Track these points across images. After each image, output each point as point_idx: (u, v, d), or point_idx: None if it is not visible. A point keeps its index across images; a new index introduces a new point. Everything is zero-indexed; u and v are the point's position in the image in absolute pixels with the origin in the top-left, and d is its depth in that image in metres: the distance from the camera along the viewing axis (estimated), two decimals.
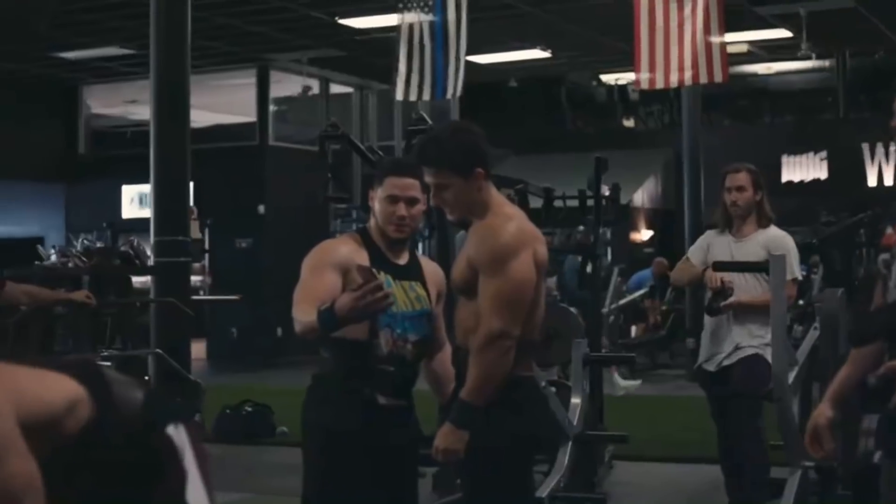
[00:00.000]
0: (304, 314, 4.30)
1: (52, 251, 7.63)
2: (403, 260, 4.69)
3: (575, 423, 7.16)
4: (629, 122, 27.42)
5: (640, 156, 23.64)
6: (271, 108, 22.46)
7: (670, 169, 23.61)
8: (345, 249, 4.54)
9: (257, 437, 11.57)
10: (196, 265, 26.33)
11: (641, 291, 19.13)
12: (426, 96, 14.09)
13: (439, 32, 13.83)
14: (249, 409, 11.75)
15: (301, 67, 21.78)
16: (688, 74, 12.43)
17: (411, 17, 13.94)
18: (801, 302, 18.12)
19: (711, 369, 7.09)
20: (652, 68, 12.48)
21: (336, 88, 23.89)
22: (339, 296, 4.23)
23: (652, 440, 10.77)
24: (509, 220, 4.45)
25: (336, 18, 17.73)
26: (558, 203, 9.99)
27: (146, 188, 22.27)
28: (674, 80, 12.51)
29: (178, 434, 2.07)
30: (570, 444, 7.07)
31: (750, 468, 6.84)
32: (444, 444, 4.34)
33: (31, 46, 19.37)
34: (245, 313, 20.01)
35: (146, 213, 22.55)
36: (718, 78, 12.36)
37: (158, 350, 7.67)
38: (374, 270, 4.34)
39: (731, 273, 6.88)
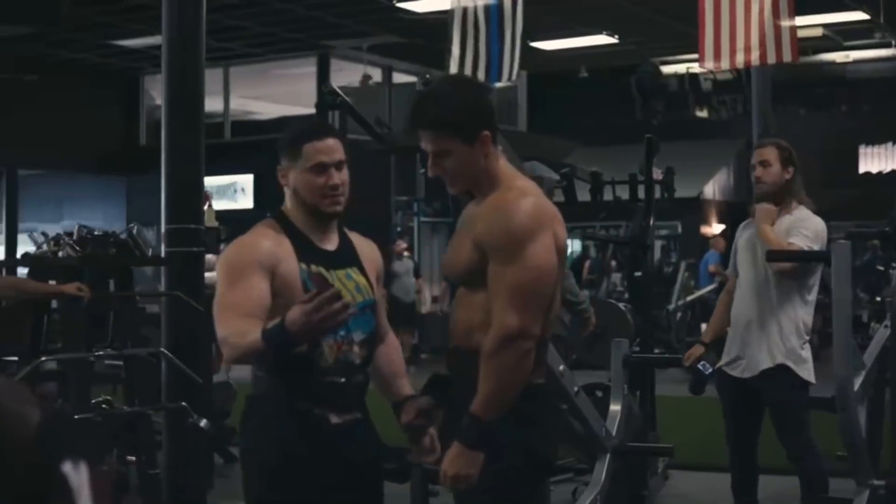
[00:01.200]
0: (238, 334, 3.58)
1: (43, 239, 7.10)
2: (334, 244, 3.93)
3: (614, 432, 6.44)
4: (701, 112, 26.62)
5: (712, 146, 22.89)
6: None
7: (743, 160, 22.86)
8: (266, 244, 3.76)
9: None
10: None
11: (711, 287, 18.36)
12: (481, 80, 13.41)
13: (494, 14, 13.25)
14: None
15: (361, 55, 21.24)
16: (755, 54, 11.79)
17: None
18: (877, 298, 17.45)
19: (736, 374, 6.36)
20: (717, 48, 11.88)
21: (399, 77, 23.33)
22: (287, 309, 3.58)
23: (716, 447, 10.05)
24: (525, 195, 3.72)
25: (394, 1, 17.18)
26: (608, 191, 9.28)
27: (209, 181, 22.34)
28: (740, 60, 11.87)
29: (76, 474, 1.62)
30: (608, 456, 6.36)
31: (808, 486, 6.13)
32: (455, 469, 3.63)
33: (90, 34, 19.03)
34: None
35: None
36: (787, 58, 11.69)
37: (163, 349, 7.08)
38: (322, 274, 3.72)
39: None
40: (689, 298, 18.30)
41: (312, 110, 20.68)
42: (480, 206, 3.78)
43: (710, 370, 6.54)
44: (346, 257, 3.93)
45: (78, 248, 6.95)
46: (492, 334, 3.60)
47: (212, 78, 23.23)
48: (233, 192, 21.46)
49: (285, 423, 3.73)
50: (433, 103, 3.78)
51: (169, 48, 7.88)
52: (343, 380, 3.80)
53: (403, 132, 3.87)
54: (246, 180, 21.31)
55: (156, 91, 24.02)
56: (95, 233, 7.09)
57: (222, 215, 22.22)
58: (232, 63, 22.16)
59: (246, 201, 21.47)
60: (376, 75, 22.80)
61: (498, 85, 21.86)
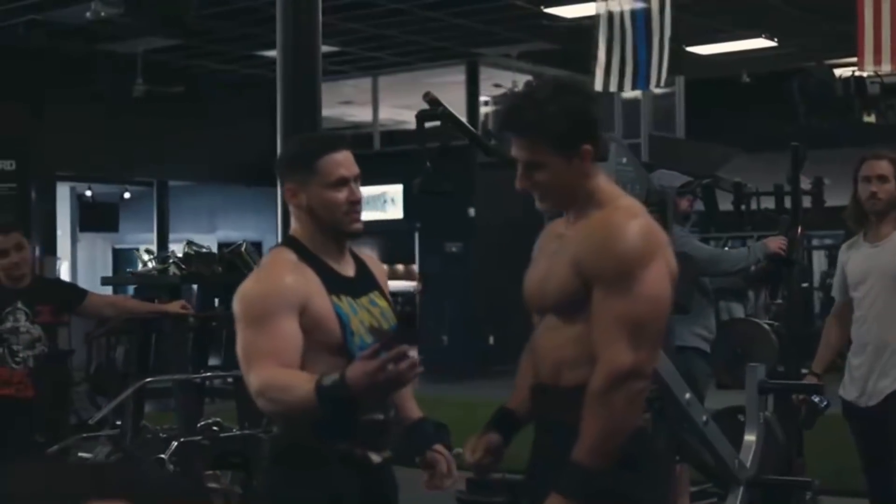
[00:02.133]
0: (279, 388, 3.24)
1: (149, 257, 6.89)
2: (352, 268, 3.61)
3: (748, 464, 5.95)
4: (868, 117, 25.68)
5: None
6: (482, 106, 21.62)
7: None
8: (291, 280, 3.42)
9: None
10: (400, 267, 26.09)
11: None
12: (628, 86, 13.07)
13: (641, 19, 12.84)
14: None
15: (511, 62, 20.89)
16: None
17: (612, 2, 12.99)
18: None
19: (862, 404, 6.00)
20: (877, 49, 11.33)
21: None
22: (321, 348, 3.27)
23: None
24: (633, 216, 3.31)
25: (541, 7, 16.81)
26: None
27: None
28: None
29: None
30: (741, 489, 5.87)
31: None
32: None
33: (236, 45, 19.04)
34: (456, 320, 19.38)
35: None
36: None
37: None
38: (386, 330, 3.41)
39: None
40: None
41: (462, 118, 20.55)
42: (578, 227, 3.34)
43: (826, 402, 6.10)
44: (367, 281, 3.62)
45: (184, 265, 6.72)
46: (601, 372, 3.19)
47: (360, 88, 23.33)
48: (382, 202, 21.27)
49: (325, 467, 3.37)
50: (530, 107, 3.32)
51: (283, 57, 7.65)
52: (382, 416, 3.49)
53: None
54: (395, 190, 21.09)
55: None
56: (203, 250, 6.85)
57: (372, 226, 22.27)
58: (381, 73, 22.01)
59: (395, 211, 21.27)
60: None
61: (655, 91, 21.49)
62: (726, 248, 7.58)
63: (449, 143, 5.18)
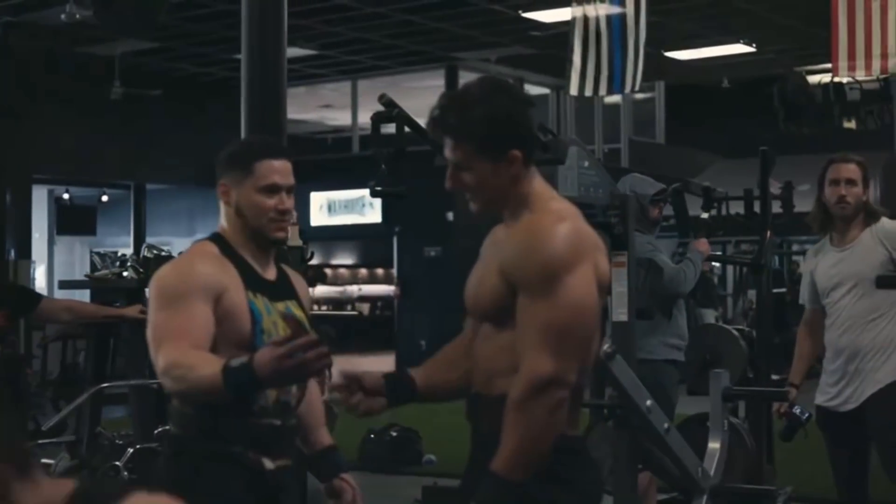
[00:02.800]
0: (185, 366, 3.16)
1: (104, 261, 6.80)
2: (273, 274, 3.56)
3: (712, 472, 5.89)
4: (847, 123, 25.69)
5: None
6: None
7: (891, 172, 21.93)
8: (209, 269, 3.39)
9: (401, 466, 10.64)
10: (378, 271, 26.02)
11: None
12: (602, 91, 12.98)
13: (617, 24, 12.79)
14: (395, 433, 10.81)
15: (490, 67, 20.85)
16: (892, 62, 11.19)
17: (588, 7, 12.94)
18: None
19: (839, 408, 5.90)
20: (851, 55, 11.29)
21: (530, 90, 22.87)
22: (232, 340, 3.23)
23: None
24: (561, 219, 3.16)
25: (520, 12, 16.77)
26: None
27: (336, 195, 22.27)
28: (876, 67, 11.32)
29: None
30: (704, 498, 5.81)
31: None
32: None
33: (212, 48, 18.98)
34: (434, 325, 19.32)
35: (336, 220, 22.58)
36: None
37: None
38: (298, 319, 3.38)
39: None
40: None
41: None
42: (509, 232, 3.24)
43: (808, 414, 6.04)
44: (286, 289, 3.56)
45: (141, 269, 6.63)
46: (520, 380, 3.06)
47: (340, 91, 23.27)
48: (361, 206, 21.23)
49: (216, 469, 3.32)
50: (456, 108, 3.21)
51: (248, 60, 7.55)
52: (280, 422, 3.41)
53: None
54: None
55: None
56: (162, 253, 6.77)
57: (350, 230, 22.24)
58: (360, 76, 21.97)
59: (374, 215, 21.22)
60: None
61: (636, 96, 21.50)
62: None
63: (404, 146, 5.08)
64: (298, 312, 3.55)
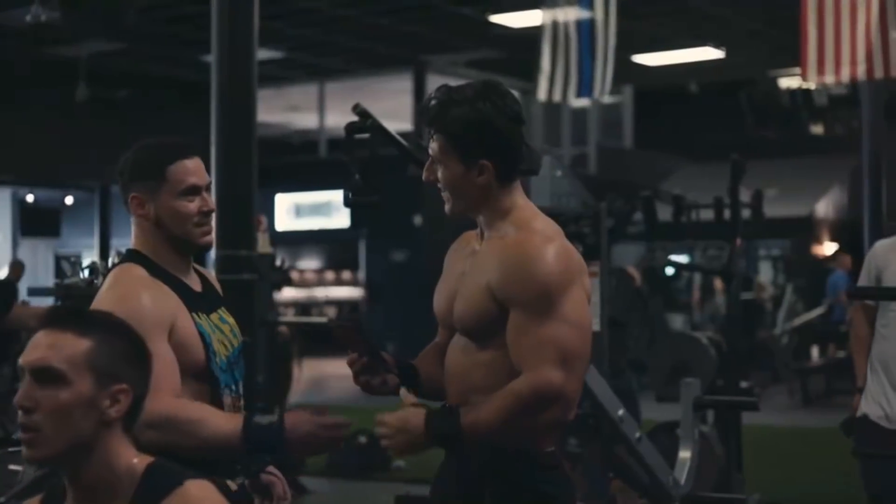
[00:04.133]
0: (199, 421, 3.04)
1: (78, 268, 6.68)
2: (198, 283, 3.37)
3: (683, 480, 5.87)
4: (815, 129, 25.80)
5: (826, 163, 22.11)
6: None
7: (858, 177, 22.04)
8: (154, 300, 3.15)
9: (371, 472, 10.58)
10: (347, 275, 25.94)
11: (818, 311, 17.63)
12: (571, 96, 12.99)
13: (586, 29, 12.78)
14: (364, 440, 10.74)
15: (458, 70, 20.82)
16: (861, 69, 11.16)
17: (557, 12, 12.94)
18: None
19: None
20: (821, 61, 11.26)
21: None
22: (209, 390, 3.15)
23: (811, 483, 9.50)
24: (550, 240, 3.14)
25: (487, 16, 16.74)
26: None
27: (302, 197, 22.19)
28: (845, 74, 11.24)
29: None
30: None
31: None
32: (404, 439, 3.09)
33: (180, 50, 18.88)
34: (402, 328, 19.24)
35: (303, 224, 22.50)
36: None
37: None
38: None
39: None
40: (797, 322, 17.56)
41: (410, 126, 20.54)
42: (493, 248, 3.18)
43: None
44: (214, 296, 3.40)
45: None
46: (530, 380, 3.04)
47: (307, 94, 23.19)
48: (328, 210, 21.16)
49: None
50: (446, 101, 3.18)
51: (219, 61, 7.47)
52: None
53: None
54: (342, 198, 20.97)
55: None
56: None
57: (318, 234, 22.15)
58: (327, 79, 21.89)
59: (342, 219, 21.14)
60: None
61: (604, 101, 21.49)
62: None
63: (377, 155, 5.03)
64: (230, 319, 3.40)
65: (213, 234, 3.38)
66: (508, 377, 3.09)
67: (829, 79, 11.47)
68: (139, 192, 3.28)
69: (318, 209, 21.30)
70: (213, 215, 3.35)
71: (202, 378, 3.21)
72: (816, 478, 10.05)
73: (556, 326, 3.06)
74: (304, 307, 24.76)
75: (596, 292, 5.52)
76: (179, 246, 3.29)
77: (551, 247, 3.12)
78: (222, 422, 3.05)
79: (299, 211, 21.77)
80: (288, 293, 22.86)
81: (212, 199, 3.33)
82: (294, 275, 22.46)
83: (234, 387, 3.30)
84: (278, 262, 8.64)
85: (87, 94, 18.82)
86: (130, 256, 3.31)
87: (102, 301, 3.16)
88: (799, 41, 11.47)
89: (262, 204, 21.50)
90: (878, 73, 11.21)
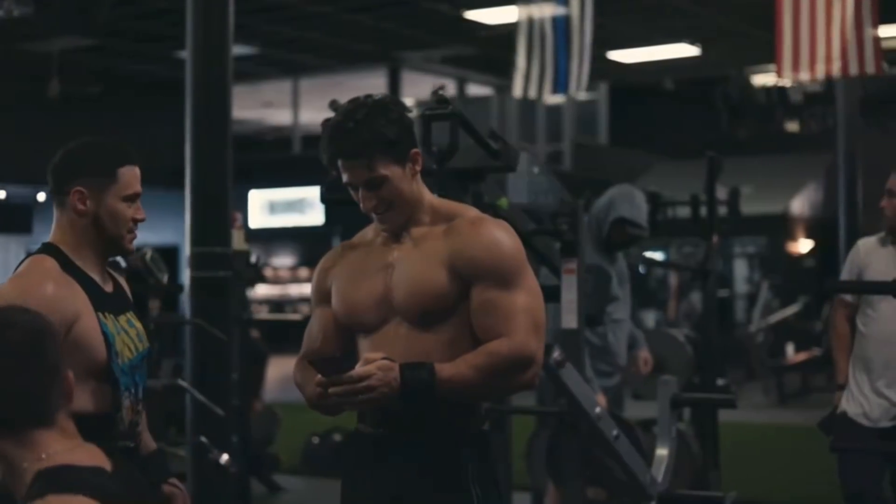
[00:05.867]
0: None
1: None
2: (110, 285, 3.38)
3: (660, 478, 5.84)
4: (790, 125, 25.83)
5: (801, 160, 22.15)
6: None
7: (833, 174, 22.10)
8: (56, 296, 3.14)
9: None
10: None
11: (793, 308, 17.67)
12: (547, 92, 12.95)
13: (562, 26, 12.75)
14: (338, 437, 10.69)
15: (433, 67, 20.78)
16: (836, 66, 11.17)
17: (532, 8, 12.91)
18: None
19: (886, 424, 5.45)
20: (796, 58, 11.28)
21: (473, 90, 22.82)
22: (110, 391, 3.20)
23: (788, 480, 9.49)
24: (497, 222, 3.32)
25: (462, 12, 16.68)
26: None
27: (276, 194, 22.14)
28: (820, 71, 11.27)
29: None
30: None
31: None
32: (386, 391, 3.06)
33: (156, 46, 18.78)
34: None
35: (276, 221, 22.45)
36: (871, 70, 11.09)
37: (180, 381, 6.66)
38: (336, 357, 3.18)
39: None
40: (772, 319, 17.58)
41: None
42: (435, 234, 3.30)
43: None
44: (124, 300, 3.41)
45: None
46: (510, 345, 3.15)
47: (281, 90, 23.12)
48: (302, 206, 21.09)
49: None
50: (360, 128, 3.23)
51: (194, 57, 7.40)
52: (133, 445, 3.32)
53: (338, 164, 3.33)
54: (315, 194, 20.91)
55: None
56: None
57: (292, 230, 22.08)
58: (301, 75, 21.83)
59: (316, 216, 21.08)
60: (450, 88, 22.33)
61: (579, 97, 21.47)
62: None
63: None
64: (138, 324, 3.40)
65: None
66: (464, 353, 3.19)
67: (805, 76, 11.50)
68: (85, 186, 3.28)
69: (292, 206, 21.27)
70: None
71: (102, 378, 3.21)
72: (793, 475, 10.06)
73: (525, 297, 3.21)
74: (277, 304, 24.70)
75: (574, 289, 5.49)
76: (107, 246, 3.31)
77: (506, 227, 3.29)
78: None
79: (273, 208, 21.72)
80: (261, 290, 22.79)
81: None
82: (268, 272, 22.42)
83: (133, 390, 3.30)
84: (253, 259, 8.55)
85: (59, 89, 18.70)
86: (46, 249, 3.30)
87: (5, 288, 3.19)
88: (774, 38, 11.48)
89: (235, 200, 21.57)
90: (853, 70, 11.23)
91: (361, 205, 3.29)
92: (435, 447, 3.24)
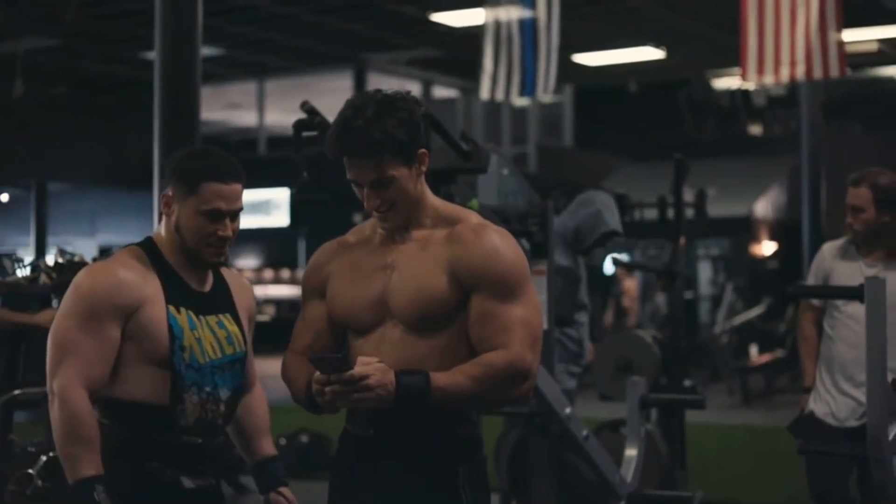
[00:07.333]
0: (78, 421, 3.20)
1: (19, 265, 6.57)
2: (207, 284, 3.42)
3: (629, 478, 5.87)
4: (754, 128, 25.99)
5: (764, 163, 22.27)
6: None
7: (796, 177, 22.25)
8: (129, 281, 3.27)
9: (313, 472, 10.52)
10: (286, 274, 25.84)
11: (758, 310, 17.77)
12: (514, 94, 12.98)
13: (529, 28, 12.80)
14: (305, 439, 10.68)
15: (399, 69, 20.79)
16: (800, 69, 11.25)
17: (500, 11, 12.94)
18: None
19: (845, 424, 5.48)
20: (761, 62, 11.36)
21: (439, 92, 22.85)
22: (144, 357, 3.24)
23: (754, 481, 9.54)
24: (501, 231, 3.25)
25: (428, 14, 16.70)
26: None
27: (243, 195, 22.01)
28: (784, 74, 11.34)
29: None
30: None
31: None
32: (383, 394, 3.04)
33: (121, 46, 18.72)
34: None
35: (242, 222, 22.28)
36: (835, 73, 11.17)
37: None
38: (338, 357, 3.14)
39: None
40: (736, 321, 17.67)
41: None
42: (436, 238, 3.24)
43: None
44: (220, 301, 3.42)
45: (55, 274, 6.43)
46: (507, 357, 3.12)
47: (247, 92, 23.08)
48: (267, 208, 21.07)
49: (130, 486, 3.23)
50: (369, 126, 3.17)
51: (162, 58, 7.39)
52: (201, 441, 3.31)
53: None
54: (282, 196, 20.91)
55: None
56: (75, 258, 6.57)
57: (257, 232, 22.06)
58: (267, 77, 21.80)
59: (281, 218, 21.06)
60: (415, 90, 22.36)
61: (544, 100, 21.54)
62: None
63: (326, 154, 4.98)
64: (232, 327, 3.42)
65: (225, 255, 3.44)
66: (459, 361, 3.16)
67: (769, 79, 11.57)
68: (171, 192, 3.34)
69: (257, 207, 21.21)
70: (231, 240, 3.38)
71: (163, 367, 3.26)
72: (757, 476, 10.12)
73: (524, 310, 3.17)
74: None
75: (543, 291, 5.51)
76: (188, 254, 3.35)
77: (508, 237, 3.24)
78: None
79: None
80: None
81: (235, 224, 3.37)
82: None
83: (207, 387, 3.32)
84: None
85: (24, 90, 18.60)
86: (143, 241, 3.42)
87: (86, 272, 3.33)
88: (739, 42, 11.56)
89: None
90: (818, 74, 11.31)
91: (365, 203, 3.22)
92: (426, 450, 3.23)
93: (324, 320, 3.36)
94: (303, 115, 5.16)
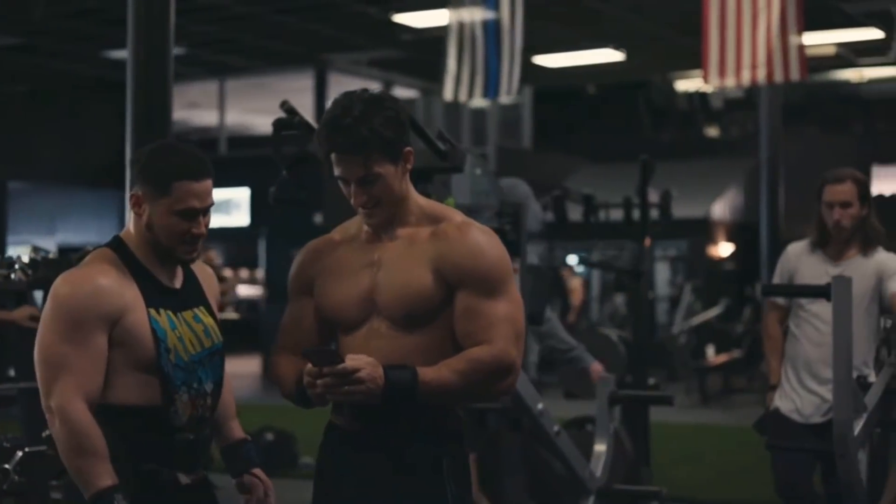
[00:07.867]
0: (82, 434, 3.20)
1: None
2: (179, 279, 3.43)
3: (598, 473, 5.97)
4: (711, 131, 26.18)
5: (722, 165, 22.45)
6: None
7: (753, 179, 22.43)
8: (110, 290, 3.25)
9: (277, 469, 10.55)
10: (246, 273, 25.82)
11: (715, 311, 17.92)
12: (477, 95, 13.07)
13: (492, 29, 12.89)
14: (270, 437, 10.71)
15: (360, 69, 20.82)
16: (761, 72, 11.41)
17: (463, 12, 13.03)
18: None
19: (811, 420, 5.63)
20: (722, 64, 11.51)
21: (399, 93, 22.89)
22: (130, 363, 3.27)
23: (715, 479, 9.65)
24: (485, 229, 3.34)
25: (391, 15, 16.75)
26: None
27: None
28: (746, 77, 11.51)
29: None
30: (591, 498, 5.90)
31: None
32: (373, 388, 3.12)
33: (83, 45, 18.64)
34: None
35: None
36: (796, 76, 11.33)
37: None
38: (332, 350, 3.23)
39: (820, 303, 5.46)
40: (694, 322, 17.83)
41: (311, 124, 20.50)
42: (420, 236, 3.33)
43: None
44: (194, 296, 3.45)
45: (30, 271, 6.43)
46: (492, 352, 3.20)
47: (207, 91, 23.04)
48: (227, 207, 21.06)
49: (131, 488, 3.25)
50: (357, 124, 3.23)
51: (135, 59, 7.41)
52: (193, 437, 3.35)
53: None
54: (242, 196, 20.91)
55: None
56: (49, 255, 6.58)
57: (217, 231, 22.00)
58: (227, 76, 21.79)
59: (242, 217, 21.06)
60: (376, 90, 22.38)
61: (503, 101, 21.61)
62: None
63: (306, 153, 5.06)
64: (207, 319, 3.44)
65: (198, 252, 3.42)
66: (444, 357, 3.23)
67: (730, 82, 11.72)
68: (140, 192, 3.31)
69: (217, 207, 20.92)
70: (204, 236, 3.37)
71: (150, 371, 3.28)
72: (716, 473, 10.25)
73: (508, 306, 3.25)
74: None
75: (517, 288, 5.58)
76: (161, 253, 3.35)
77: (492, 235, 3.32)
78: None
79: None
80: None
81: (207, 219, 3.36)
82: None
83: (195, 384, 3.35)
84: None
85: None
86: (112, 242, 3.38)
87: (64, 279, 3.28)
88: (701, 45, 11.69)
89: None
90: (778, 77, 11.47)
91: (352, 200, 3.29)
92: (412, 443, 3.29)
93: (311, 317, 3.43)
94: (282, 115, 5.20)
